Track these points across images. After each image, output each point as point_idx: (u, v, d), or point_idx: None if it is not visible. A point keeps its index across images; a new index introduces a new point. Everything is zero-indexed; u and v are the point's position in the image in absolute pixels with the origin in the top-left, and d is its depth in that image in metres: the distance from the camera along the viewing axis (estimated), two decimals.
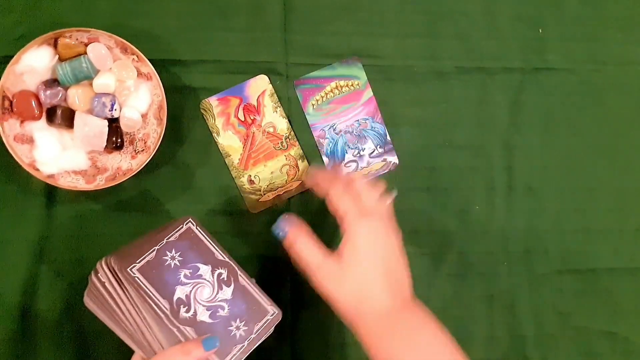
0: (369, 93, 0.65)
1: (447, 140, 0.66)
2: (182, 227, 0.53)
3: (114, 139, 0.57)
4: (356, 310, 0.49)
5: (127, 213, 0.61)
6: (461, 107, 0.67)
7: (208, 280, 0.51)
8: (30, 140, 0.56)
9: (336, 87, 0.65)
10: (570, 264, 0.67)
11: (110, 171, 0.58)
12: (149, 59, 0.58)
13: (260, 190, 0.63)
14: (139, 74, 0.58)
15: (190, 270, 0.51)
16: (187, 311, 0.49)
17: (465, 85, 0.67)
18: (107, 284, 0.49)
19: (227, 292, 0.51)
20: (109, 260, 0.49)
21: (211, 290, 0.51)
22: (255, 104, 0.63)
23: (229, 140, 0.63)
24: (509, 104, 0.68)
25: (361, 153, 0.65)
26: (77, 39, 0.57)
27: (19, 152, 0.55)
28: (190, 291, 0.50)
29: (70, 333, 0.59)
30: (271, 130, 0.64)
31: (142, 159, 0.58)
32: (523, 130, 0.68)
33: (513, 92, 0.68)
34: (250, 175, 0.63)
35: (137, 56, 0.58)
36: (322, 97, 0.65)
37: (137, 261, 0.49)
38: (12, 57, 0.54)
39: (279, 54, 0.64)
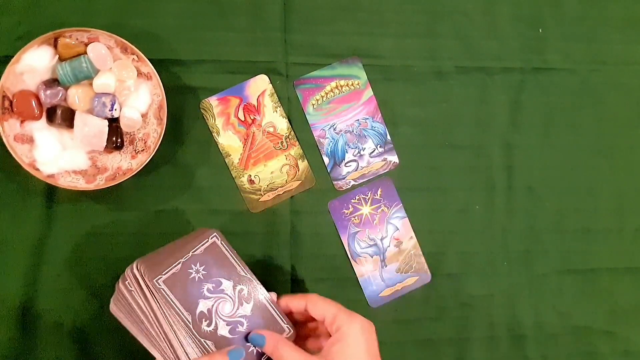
0: (369, 92, 0.65)
1: (447, 140, 0.66)
2: (207, 241, 0.53)
3: (114, 138, 0.57)
4: None
5: (127, 213, 0.61)
6: (461, 107, 0.67)
7: (230, 296, 0.51)
8: (30, 140, 0.56)
9: (336, 87, 0.65)
10: (570, 264, 0.67)
11: (110, 171, 0.58)
12: (149, 59, 0.58)
13: (260, 190, 0.63)
14: (139, 73, 0.58)
15: (213, 285, 0.51)
16: (209, 325, 0.49)
17: (465, 85, 0.67)
18: (134, 292, 0.49)
19: (247, 308, 0.52)
20: (139, 267, 0.49)
21: (232, 306, 0.51)
22: (256, 104, 0.63)
23: (229, 140, 0.63)
24: (509, 104, 0.68)
25: (361, 152, 0.65)
26: (77, 39, 0.57)
27: (19, 152, 0.55)
28: (213, 305, 0.50)
29: (70, 333, 0.59)
30: (271, 130, 0.64)
31: (142, 159, 0.58)
32: (523, 130, 0.68)
33: (513, 92, 0.68)
34: (250, 175, 0.63)
35: (137, 56, 0.58)
36: (322, 96, 0.65)
37: (164, 272, 0.49)
38: (12, 56, 0.54)
39: (279, 54, 0.64)
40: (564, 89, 0.69)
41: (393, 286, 0.64)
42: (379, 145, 0.65)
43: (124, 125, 0.57)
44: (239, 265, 0.53)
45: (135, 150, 0.58)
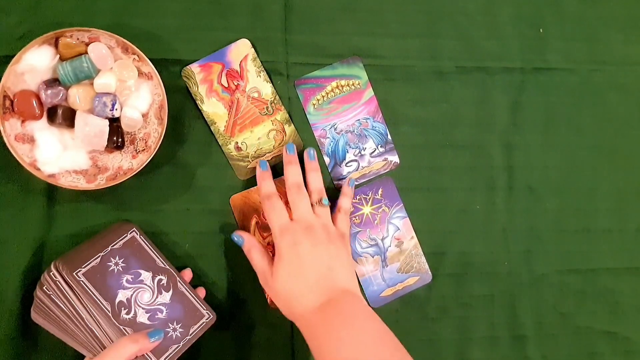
0: (369, 93, 0.65)
1: (447, 140, 0.67)
2: (126, 236, 0.57)
3: (114, 138, 0.57)
4: (288, 311, 0.56)
5: (128, 213, 0.61)
6: (461, 107, 0.67)
7: (148, 286, 0.55)
8: (31, 140, 0.56)
9: (337, 87, 0.65)
10: (570, 264, 0.67)
11: (111, 171, 0.58)
12: (149, 59, 0.58)
13: (248, 157, 0.62)
14: (140, 73, 0.58)
15: (132, 276, 0.55)
16: (128, 313, 0.53)
17: (466, 85, 0.67)
18: (56, 289, 0.52)
19: (166, 296, 0.56)
20: (58, 264, 0.52)
21: (151, 295, 0.55)
22: (238, 69, 0.63)
23: (213, 108, 0.62)
24: (509, 104, 0.68)
25: (362, 152, 0.65)
26: (78, 39, 0.57)
27: (20, 152, 0.55)
28: (132, 295, 0.54)
29: None
30: (256, 95, 0.63)
31: (143, 159, 0.58)
32: (523, 130, 0.68)
33: (513, 92, 0.68)
34: (237, 142, 0.62)
35: (138, 56, 0.58)
36: (323, 96, 0.65)
37: (83, 266, 0.53)
38: (13, 56, 0.54)
39: (279, 54, 0.64)
40: (564, 89, 0.69)
41: (394, 286, 0.64)
42: (379, 145, 0.65)
43: (124, 125, 0.57)
44: (158, 258, 0.58)
45: (136, 150, 0.58)
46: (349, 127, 0.65)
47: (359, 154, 0.65)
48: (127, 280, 0.54)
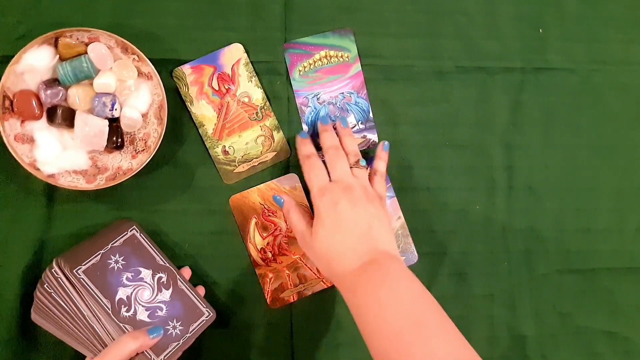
0: (357, 67, 0.65)
1: (447, 140, 0.66)
2: (126, 234, 0.57)
3: (114, 138, 0.57)
4: (328, 271, 0.56)
5: (127, 213, 0.61)
6: (461, 107, 0.67)
7: (148, 283, 0.56)
8: (30, 140, 0.56)
9: (325, 57, 0.64)
10: (570, 264, 0.67)
11: (111, 171, 0.58)
12: (149, 59, 0.58)
13: (234, 161, 0.62)
14: (140, 73, 0.58)
15: (132, 274, 0.55)
16: (128, 310, 0.53)
17: (466, 85, 0.67)
18: (57, 286, 0.52)
19: (166, 294, 0.56)
20: (59, 261, 0.52)
21: (151, 293, 0.55)
22: (230, 73, 0.63)
23: (202, 110, 0.62)
24: (509, 104, 0.68)
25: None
26: (77, 39, 0.57)
27: (20, 152, 0.55)
28: (132, 293, 0.54)
29: None
30: (246, 100, 0.63)
31: (143, 159, 0.58)
32: (523, 130, 0.68)
33: (513, 92, 0.68)
34: (224, 146, 0.62)
35: (138, 56, 0.58)
36: (310, 64, 0.64)
37: (83, 263, 0.53)
38: (12, 56, 0.54)
39: (279, 53, 0.64)
40: (564, 89, 0.69)
41: None
42: (360, 122, 0.65)
43: (124, 125, 0.57)
44: (158, 255, 0.58)
45: (135, 150, 0.58)
46: (332, 98, 0.65)
47: None
48: (127, 278, 0.54)
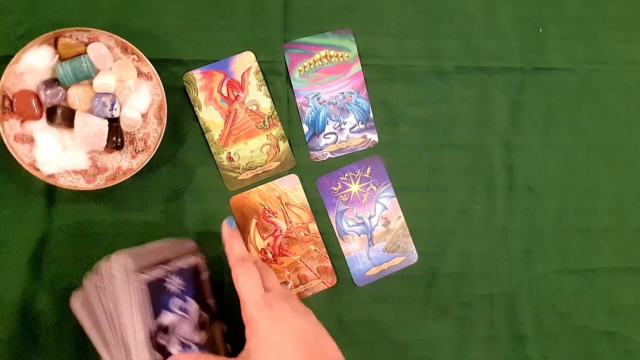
0: (357, 67, 0.65)
1: (447, 140, 0.67)
2: (192, 259, 0.55)
3: (114, 138, 0.57)
4: None
5: (127, 213, 0.61)
6: (461, 107, 0.67)
7: (193, 318, 0.53)
8: (30, 140, 0.56)
9: (325, 56, 0.64)
10: (570, 264, 0.67)
11: (111, 171, 0.58)
12: (149, 59, 0.58)
13: (239, 168, 0.62)
14: (139, 73, 0.58)
15: (182, 302, 0.52)
16: (162, 338, 0.50)
17: (465, 85, 0.67)
18: (101, 289, 0.49)
19: (203, 336, 0.53)
20: (125, 259, 0.49)
21: (190, 328, 0.52)
22: (240, 81, 0.63)
23: (210, 115, 0.62)
24: (509, 104, 0.68)
25: (342, 126, 0.65)
26: (77, 39, 0.57)
27: (20, 152, 0.55)
28: (174, 321, 0.51)
29: (70, 333, 0.59)
30: (254, 108, 0.63)
31: (142, 159, 0.58)
32: (523, 130, 0.68)
33: (513, 92, 0.68)
34: (229, 152, 0.62)
35: (137, 56, 0.58)
36: (310, 64, 0.64)
37: (146, 272, 0.50)
38: (12, 56, 0.54)
39: (279, 53, 0.64)
40: (564, 89, 0.69)
41: (379, 265, 0.64)
42: (360, 122, 0.65)
43: (124, 125, 0.57)
44: (210, 296, 0.55)
45: (135, 150, 0.58)
46: (332, 98, 0.65)
47: (339, 127, 0.65)
48: (175, 304, 0.51)
